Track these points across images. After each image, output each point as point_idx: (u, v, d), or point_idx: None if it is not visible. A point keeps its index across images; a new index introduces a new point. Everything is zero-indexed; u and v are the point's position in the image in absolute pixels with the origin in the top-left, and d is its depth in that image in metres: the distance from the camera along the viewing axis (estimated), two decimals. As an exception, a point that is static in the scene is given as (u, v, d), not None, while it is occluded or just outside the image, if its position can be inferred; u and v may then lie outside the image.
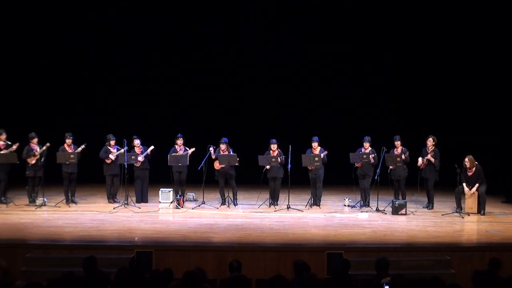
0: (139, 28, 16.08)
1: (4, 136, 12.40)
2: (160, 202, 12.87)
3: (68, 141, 12.51)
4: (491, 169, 12.87)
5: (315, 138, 12.53)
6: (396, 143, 12.48)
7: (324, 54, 16.04)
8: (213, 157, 12.65)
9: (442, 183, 12.71)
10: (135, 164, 12.73)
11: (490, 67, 14.91)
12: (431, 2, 15.36)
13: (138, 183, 12.94)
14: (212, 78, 16.27)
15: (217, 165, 12.66)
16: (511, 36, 14.41)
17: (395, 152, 12.40)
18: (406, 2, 15.49)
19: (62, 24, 15.65)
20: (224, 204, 12.73)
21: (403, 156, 12.26)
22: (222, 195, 12.83)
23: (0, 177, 12.38)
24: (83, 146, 12.59)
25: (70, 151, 12.44)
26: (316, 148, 12.51)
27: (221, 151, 12.60)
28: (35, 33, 15.52)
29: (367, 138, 12.52)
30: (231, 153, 12.57)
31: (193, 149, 12.72)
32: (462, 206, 11.94)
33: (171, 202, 12.74)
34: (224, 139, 12.59)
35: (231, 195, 12.82)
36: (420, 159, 12.38)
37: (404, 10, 15.61)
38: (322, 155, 12.36)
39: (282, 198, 12.70)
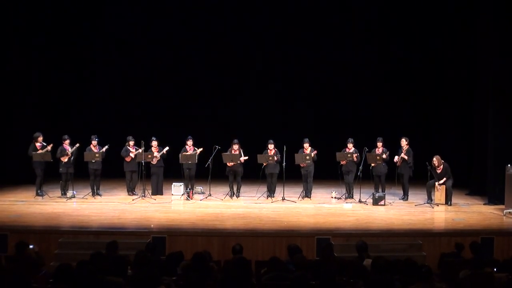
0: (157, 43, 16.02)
1: (41, 138, 12.38)
2: (172, 194, 12.82)
3: (94, 142, 12.52)
4: (457, 166, 12.87)
5: (306, 139, 12.54)
6: (378, 143, 12.46)
7: (311, 62, 15.97)
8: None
9: (415, 178, 12.71)
10: (152, 162, 12.72)
11: (458, 73, 14.82)
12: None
13: (154, 178, 12.93)
14: (217, 89, 16.25)
15: (229, 163, 12.62)
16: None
17: (376, 152, 12.39)
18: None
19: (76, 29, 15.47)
20: (232, 196, 12.71)
21: (384, 156, 12.25)
22: (231, 189, 12.76)
23: (37, 173, 12.37)
24: (106, 147, 12.60)
25: (95, 151, 12.46)
26: (307, 148, 12.51)
27: (233, 151, 12.58)
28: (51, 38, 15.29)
29: (350, 139, 12.52)
30: (242, 152, 12.56)
31: (201, 149, 12.69)
32: (432, 198, 11.92)
33: (182, 195, 12.71)
34: (236, 140, 12.59)
35: (235, 188, 12.83)
36: (396, 157, 12.39)
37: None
38: (312, 154, 12.38)
39: (278, 191, 12.68)
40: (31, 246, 7.05)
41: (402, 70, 15.80)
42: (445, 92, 15.27)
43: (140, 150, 12.52)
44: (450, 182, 11.81)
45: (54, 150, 12.38)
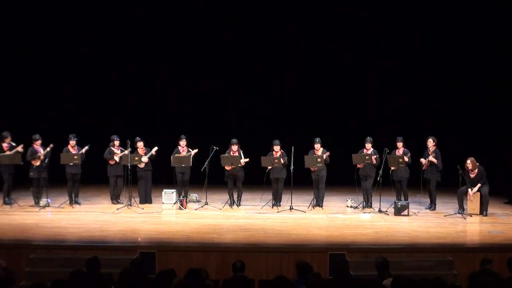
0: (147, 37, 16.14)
1: (9, 139, 12.36)
2: (163, 203, 12.82)
3: (72, 142, 12.48)
4: (494, 170, 12.80)
5: (317, 139, 12.50)
6: (398, 144, 12.42)
7: (325, 57, 16.04)
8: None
9: (444, 184, 12.63)
10: (139, 165, 12.69)
11: (492, 69, 14.83)
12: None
13: (142, 184, 12.90)
14: (215, 81, 16.24)
15: (227, 166, 12.59)
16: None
17: (397, 153, 12.34)
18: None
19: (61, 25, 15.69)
20: (232, 204, 12.67)
21: (405, 158, 12.20)
22: (231, 196, 12.75)
23: (4, 178, 12.35)
24: (86, 147, 12.55)
25: (74, 152, 12.41)
26: (319, 149, 12.48)
27: (231, 152, 12.55)
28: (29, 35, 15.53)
29: (368, 139, 12.48)
30: (242, 154, 12.54)
31: (196, 150, 12.67)
32: (465, 207, 11.86)
33: (174, 203, 12.70)
34: (234, 140, 12.55)
35: (235, 196, 12.80)
36: (422, 160, 12.32)
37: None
38: (324, 156, 12.33)
39: (285, 199, 12.65)
40: None
41: (427, 61, 15.78)
42: (479, 86, 15.24)
43: (126, 152, 12.48)
44: (486, 189, 11.74)
45: (24, 151, 12.35)
